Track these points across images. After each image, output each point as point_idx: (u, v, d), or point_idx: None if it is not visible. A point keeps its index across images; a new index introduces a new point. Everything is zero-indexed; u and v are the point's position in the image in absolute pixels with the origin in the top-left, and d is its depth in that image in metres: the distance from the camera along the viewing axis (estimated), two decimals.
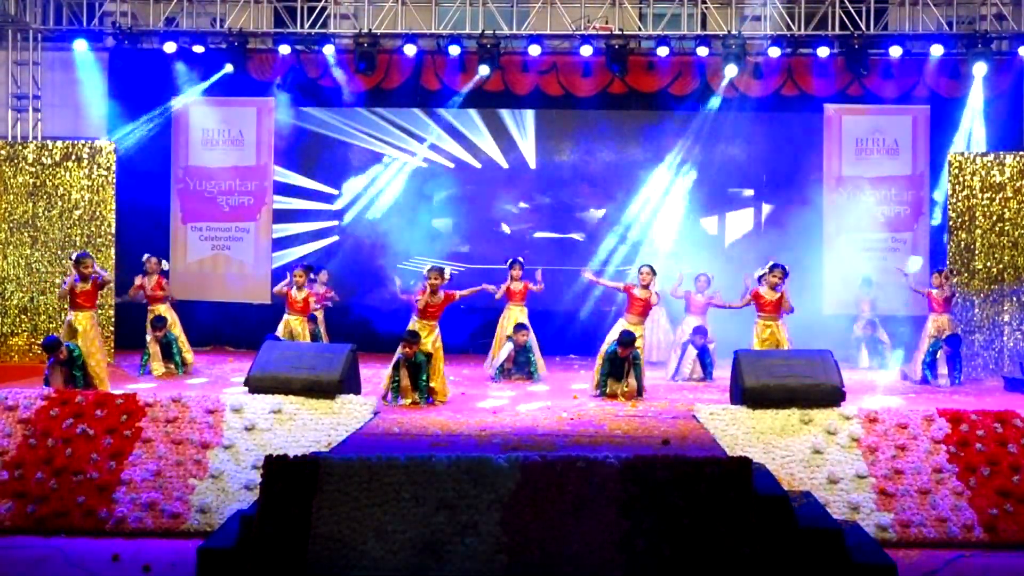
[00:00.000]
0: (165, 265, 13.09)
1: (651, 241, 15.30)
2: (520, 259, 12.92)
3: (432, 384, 10.33)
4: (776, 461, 8.08)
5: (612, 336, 11.29)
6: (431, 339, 10.51)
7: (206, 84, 15.15)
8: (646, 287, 11.50)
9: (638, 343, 11.15)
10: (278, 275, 14.35)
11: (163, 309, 12.62)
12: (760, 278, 11.64)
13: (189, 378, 12.06)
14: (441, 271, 10.78)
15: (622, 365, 10.76)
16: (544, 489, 5.89)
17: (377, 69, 14.82)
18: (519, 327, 12.29)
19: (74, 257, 11.32)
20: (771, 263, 11.62)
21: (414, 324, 10.63)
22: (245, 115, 15.73)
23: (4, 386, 9.78)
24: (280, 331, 12.25)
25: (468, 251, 15.69)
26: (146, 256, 12.89)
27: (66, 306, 11.26)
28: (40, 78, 15.43)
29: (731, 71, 14.43)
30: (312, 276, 13.78)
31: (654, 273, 11.67)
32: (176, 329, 12.61)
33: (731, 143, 15.54)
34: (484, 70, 14.52)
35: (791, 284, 12.09)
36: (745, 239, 15.42)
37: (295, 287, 12.38)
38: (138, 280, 12.79)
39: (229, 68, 14.72)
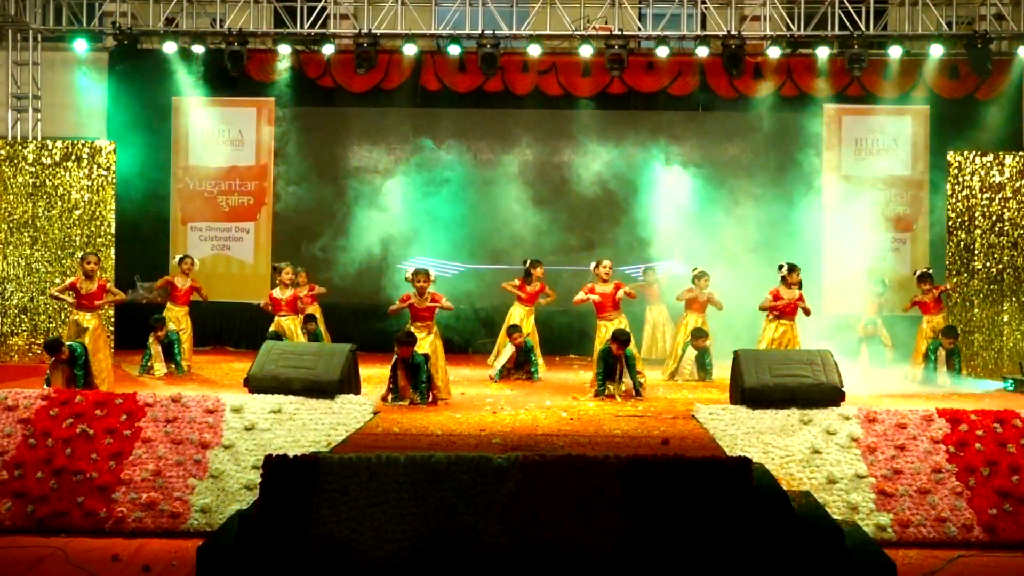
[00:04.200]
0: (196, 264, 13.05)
1: (651, 241, 15.30)
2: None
3: (437, 381, 10.34)
4: (775, 461, 8.08)
5: (601, 337, 11.43)
6: (428, 340, 10.51)
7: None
8: (606, 282, 11.69)
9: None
10: None
11: (181, 312, 12.60)
12: (783, 279, 11.65)
13: (188, 379, 12.06)
14: (427, 273, 10.77)
15: (615, 365, 10.76)
16: (544, 489, 5.89)
17: (377, 69, 14.83)
18: (512, 329, 12.30)
19: (80, 255, 11.36)
20: (788, 264, 11.62)
21: (411, 326, 10.66)
22: (245, 115, 15.75)
23: (4, 386, 9.78)
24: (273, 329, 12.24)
25: (467, 251, 15.68)
26: (179, 257, 12.87)
27: (69, 305, 11.26)
28: (40, 78, 15.44)
29: (731, 72, 14.47)
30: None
31: (612, 266, 12.08)
32: (184, 335, 12.58)
33: (731, 143, 15.55)
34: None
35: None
36: (745, 239, 15.41)
37: (279, 287, 12.33)
38: (166, 278, 12.78)
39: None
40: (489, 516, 5.82)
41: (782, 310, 11.53)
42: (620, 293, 11.82)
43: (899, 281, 14.60)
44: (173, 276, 12.83)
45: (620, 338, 10.81)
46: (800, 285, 11.59)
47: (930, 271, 12.96)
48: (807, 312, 11.64)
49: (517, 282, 12.89)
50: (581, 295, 11.99)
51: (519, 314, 12.68)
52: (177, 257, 13.01)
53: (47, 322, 13.57)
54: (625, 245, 15.33)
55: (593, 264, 12.23)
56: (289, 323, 12.25)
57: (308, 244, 15.66)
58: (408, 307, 10.70)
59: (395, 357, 10.23)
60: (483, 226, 15.72)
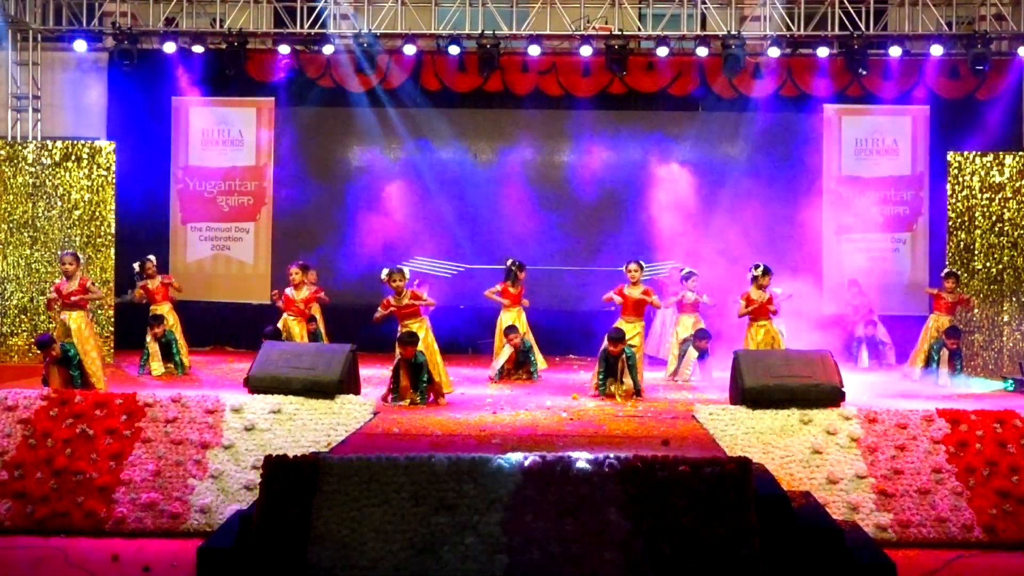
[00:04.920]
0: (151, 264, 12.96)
1: (651, 241, 15.30)
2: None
3: (435, 379, 10.34)
4: (775, 461, 8.08)
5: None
6: (419, 336, 10.50)
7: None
8: (636, 284, 11.57)
9: (635, 341, 11.19)
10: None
11: (165, 309, 12.61)
12: (752, 279, 11.71)
13: (188, 378, 12.06)
14: (401, 271, 10.77)
15: (616, 364, 10.75)
16: (544, 489, 5.89)
17: (377, 69, 14.83)
18: (509, 329, 12.27)
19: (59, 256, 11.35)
20: (761, 266, 11.62)
21: (402, 327, 10.66)
22: (245, 115, 15.76)
23: (4, 386, 9.78)
24: (279, 327, 12.27)
25: (467, 251, 15.68)
26: (139, 263, 12.81)
27: (56, 307, 11.26)
28: (40, 78, 15.45)
29: (730, 72, 14.47)
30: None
31: (642, 268, 11.77)
32: (176, 331, 12.60)
33: (731, 143, 15.55)
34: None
35: (791, 283, 12.12)
36: (745, 239, 15.41)
37: (292, 286, 12.38)
38: (140, 285, 12.75)
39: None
40: (489, 516, 5.82)
41: (755, 312, 11.54)
42: (640, 295, 11.67)
43: (900, 283, 14.61)
44: (144, 283, 12.75)
45: (612, 336, 10.77)
46: (764, 287, 11.56)
47: (957, 272, 12.92)
48: (775, 312, 11.68)
49: (499, 287, 12.75)
50: (610, 293, 11.85)
51: (509, 317, 12.61)
52: (136, 265, 12.83)
53: (47, 322, 13.54)
54: (625, 245, 15.30)
55: (625, 265, 12.05)
56: (295, 324, 12.29)
57: (308, 244, 15.63)
58: (392, 311, 10.69)
59: (398, 357, 10.22)
60: (483, 226, 15.71)
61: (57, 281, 11.14)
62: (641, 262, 11.86)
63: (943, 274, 12.90)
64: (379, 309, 10.84)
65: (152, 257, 12.90)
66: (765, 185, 15.47)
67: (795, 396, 8.89)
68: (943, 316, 12.55)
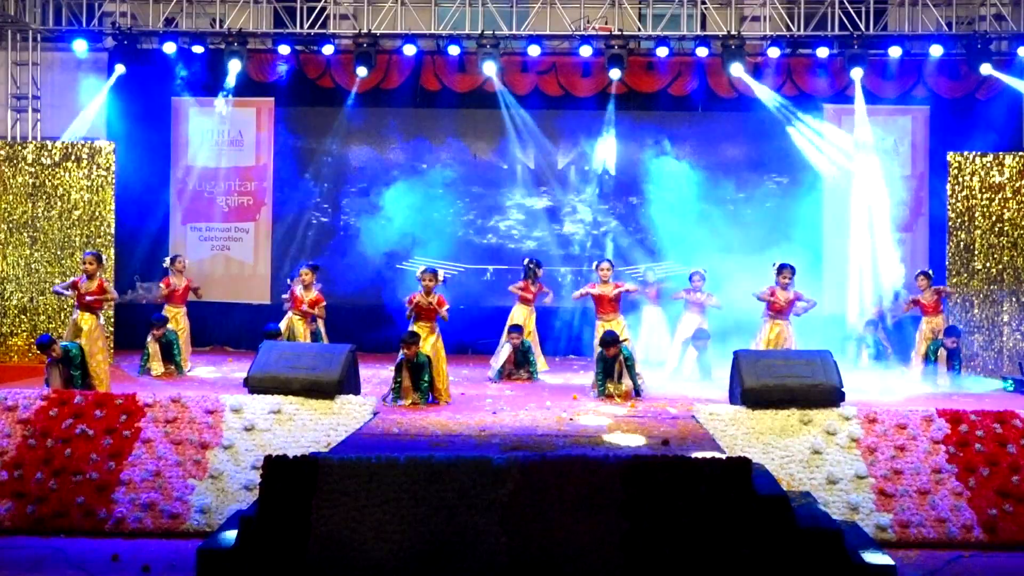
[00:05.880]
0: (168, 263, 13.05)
1: (651, 241, 15.31)
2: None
3: (437, 384, 10.34)
4: (775, 461, 8.09)
5: (599, 336, 11.44)
6: (430, 341, 10.51)
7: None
8: (606, 283, 11.66)
9: (623, 334, 11.23)
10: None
11: (180, 314, 12.63)
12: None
13: (188, 379, 12.06)
14: (435, 273, 10.78)
15: (613, 365, 10.76)
16: (544, 489, 5.89)
17: (377, 69, 14.82)
18: (513, 328, 12.30)
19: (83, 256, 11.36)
20: (779, 264, 11.65)
21: (413, 326, 10.66)
22: (245, 115, 15.74)
23: (4, 386, 9.78)
24: (282, 326, 12.29)
25: (467, 251, 15.68)
26: (170, 258, 12.85)
27: (73, 303, 11.23)
28: (40, 78, 15.44)
29: (732, 71, 14.47)
30: (290, 280, 13.90)
31: (613, 267, 12.05)
32: (181, 333, 12.59)
33: (731, 143, 15.54)
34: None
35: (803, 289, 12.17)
36: (745, 239, 15.42)
37: (301, 286, 12.43)
38: (166, 281, 12.76)
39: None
40: (489, 516, 5.82)
41: (776, 310, 11.53)
42: (616, 292, 11.75)
43: (900, 284, 14.59)
44: (168, 279, 12.79)
45: (606, 339, 10.80)
46: (785, 286, 11.57)
47: (929, 271, 12.95)
48: (801, 306, 11.69)
49: (522, 284, 12.89)
50: (582, 290, 12.02)
51: (522, 314, 12.68)
52: (168, 259, 12.94)
53: (47, 322, 13.55)
54: (625, 245, 15.34)
55: (595, 264, 12.21)
56: (300, 323, 12.36)
57: (307, 244, 15.66)
58: (415, 306, 10.69)
59: (400, 357, 10.22)
60: (483, 226, 15.71)
61: (75, 277, 11.13)
62: (611, 261, 12.21)
63: (915, 275, 12.92)
64: (407, 306, 10.84)
65: (180, 257, 12.96)
66: (765, 185, 15.46)
67: (795, 396, 8.90)
68: (934, 317, 12.55)
